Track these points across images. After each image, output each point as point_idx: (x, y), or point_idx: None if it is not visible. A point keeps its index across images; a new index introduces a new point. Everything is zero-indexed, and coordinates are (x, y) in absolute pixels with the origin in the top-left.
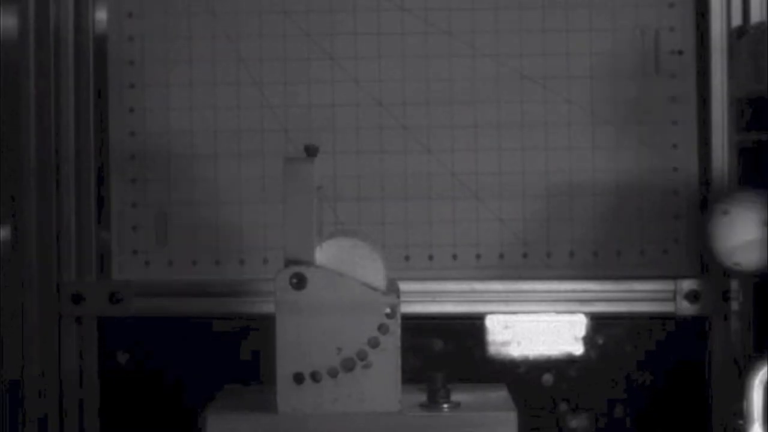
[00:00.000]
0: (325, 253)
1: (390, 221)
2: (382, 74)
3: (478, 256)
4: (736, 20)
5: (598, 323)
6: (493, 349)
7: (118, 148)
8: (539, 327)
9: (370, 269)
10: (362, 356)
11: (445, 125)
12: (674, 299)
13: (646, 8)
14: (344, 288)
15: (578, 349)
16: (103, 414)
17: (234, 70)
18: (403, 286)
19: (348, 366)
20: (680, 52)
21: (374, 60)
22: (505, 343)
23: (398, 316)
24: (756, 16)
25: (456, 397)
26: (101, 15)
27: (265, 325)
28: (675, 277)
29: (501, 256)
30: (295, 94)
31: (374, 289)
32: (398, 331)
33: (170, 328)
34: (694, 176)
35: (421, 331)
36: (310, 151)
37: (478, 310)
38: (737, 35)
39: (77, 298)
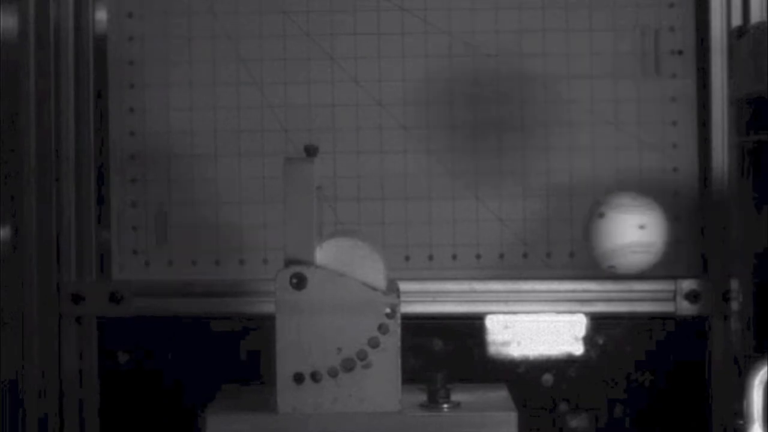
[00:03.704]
0: (324, 253)
1: (390, 221)
2: (382, 74)
3: (478, 256)
4: (736, 20)
5: (598, 323)
6: (493, 349)
7: (118, 148)
8: (539, 327)
9: (370, 269)
10: (362, 356)
11: (445, 125)
12: (674, 299)
13: (646, 8)
14: (344, 288)
15: (578, 349)
16: (103, 414)
17: (234, 70)
18: (403, 286)
19: (348, 366)
20: (680, 52)
21: (374, 60)
22: (505, 343)
23: (398, 316)
24: (756, 16)
25: (456, 397)
26: (101, 15)
27: (265, 325)
28: (675, 277)
29: (501, 256)
30: (295, 94)
31: (374, 289)
32: (398, 331)
33: (170, 328)
34: (694, 176)
35: (421, 331)
36: (310, 152)
37: (478, 310)
38: (737, 35)
39: (77, 298)
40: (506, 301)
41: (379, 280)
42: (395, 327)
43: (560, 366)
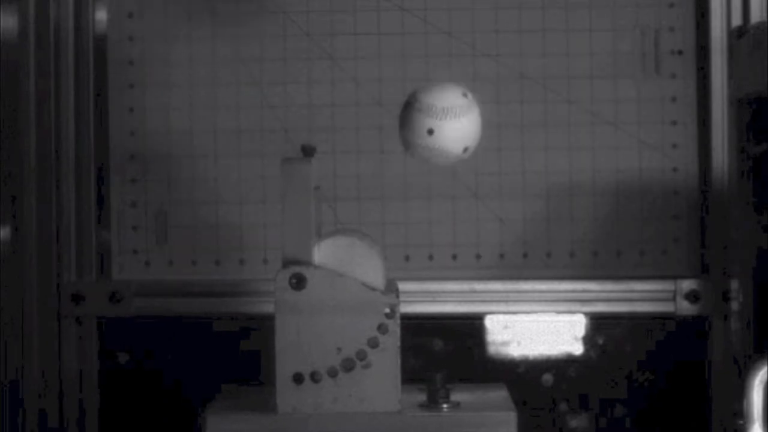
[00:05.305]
0: (323, 253)
1: (390, 221)
2: (382, 74)
3: (478, 256)
4: (736, 20)
5: (598, 323)
6: (493, 349)
7: (118, 148)
8: (539, 327)
9: (369, 269)
10: (362, 356)
11: None
12: (674, 299)
13: (646, 8)
14: (344, 288)
15: (578, 349)
16: (103, 414)
17: (234, 70)
18: (403, 286)
19: (348, 366)
20: (680, 52)
21: (374, 60)
22: (505, 343)
23: (398, 316)
24: (756, 16)
25: (456, 397)
26: (101, 15)
27: (265, 325)
28: (675, 277)
29: (501, 256)
30: (295, 94)
31: (373, 289)
32: (398, 331)
33: (170, 328)
34: (694, 176)
35: (421, 331)
36: (307, 152)
37: (478, 310)
38: (737, 35)
39: (77, 298)
40: (506, 301)
41: (378, 279)
42: (395, 327)
43: (560, 366)
